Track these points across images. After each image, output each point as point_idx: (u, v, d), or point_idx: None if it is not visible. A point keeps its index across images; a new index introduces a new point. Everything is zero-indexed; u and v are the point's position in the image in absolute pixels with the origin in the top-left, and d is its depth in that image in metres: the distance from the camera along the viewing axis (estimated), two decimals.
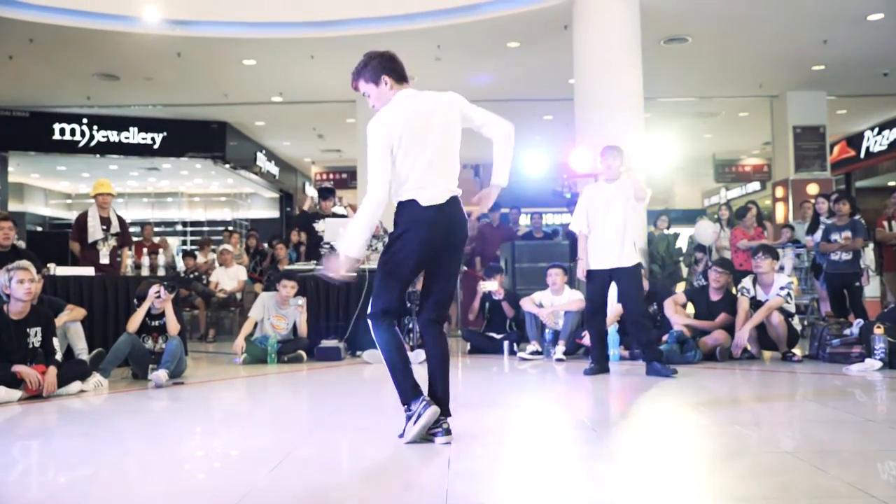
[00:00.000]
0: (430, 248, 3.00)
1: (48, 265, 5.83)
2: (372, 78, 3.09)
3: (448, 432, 2.98)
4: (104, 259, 6.68)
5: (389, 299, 3.03)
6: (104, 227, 6.74)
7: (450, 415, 3.05)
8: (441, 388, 3.04)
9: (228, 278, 9.00)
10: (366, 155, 3.01)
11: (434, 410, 2.92)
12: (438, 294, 3.11)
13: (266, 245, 10.61)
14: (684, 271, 8.94)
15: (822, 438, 3.19)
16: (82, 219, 6.81)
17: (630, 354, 6.06)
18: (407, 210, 3.00)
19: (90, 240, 6.69)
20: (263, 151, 16.14)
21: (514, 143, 3.14)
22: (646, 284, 6.39)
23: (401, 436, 2.98)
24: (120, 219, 6.96)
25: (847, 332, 5.71)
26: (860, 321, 5.94)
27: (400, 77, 3.10)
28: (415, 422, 2.92)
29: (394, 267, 3.03)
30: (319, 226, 7.46)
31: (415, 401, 2.94)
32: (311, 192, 7.95)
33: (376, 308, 3.04)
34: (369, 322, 3.06)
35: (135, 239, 8.74)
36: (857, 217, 7.06)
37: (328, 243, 6.82)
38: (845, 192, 11.26)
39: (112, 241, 6.78)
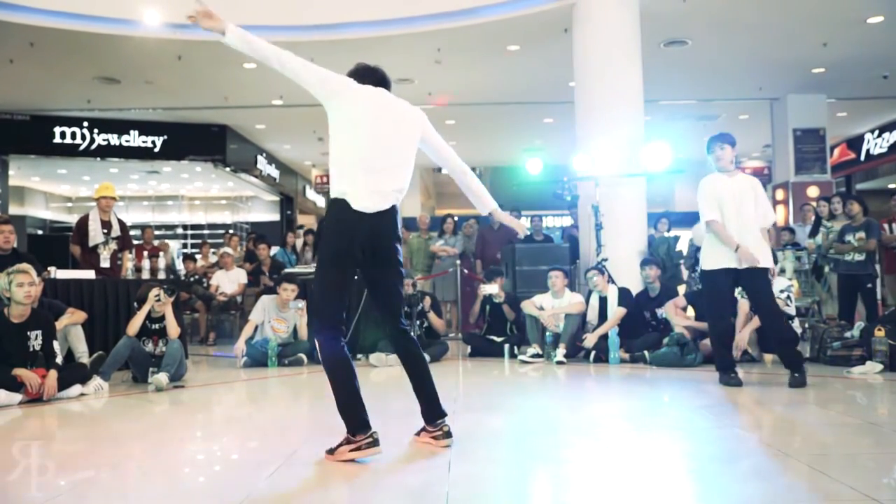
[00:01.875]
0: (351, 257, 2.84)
1: (48, 268, 5.83)
2: None
3: (448, 435, 2.97)
4: (105, 262, 6.68)
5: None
6: (105, 231, 6.74)
7: (446, 414, 3.04)
8: (428, 392, 3.01)
9: (229, 281, 8.99)
10: None
11: (376, 451, 2.77)
12: (390, 305, 3.00)
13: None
14: (685, 274, 8.93)
15: (824, 441, 3.19)
16: (83, 222, 6.80)
17: (630, 357, 6.07)
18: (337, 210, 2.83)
19: (91, 243, 6.69)
20: (264, 154, 16.15)
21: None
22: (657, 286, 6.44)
23: (330, 451, 2.82)
24: (121, 222, 6.96)
25: (848, 334, 5.71)
26: (861, 324, 5.94)
27: (368, 83, 2.99)
28: (351, 450, 2.77)
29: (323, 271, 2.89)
30: None
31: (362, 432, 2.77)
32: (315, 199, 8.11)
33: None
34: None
35: (135, 242, 8.74)
36: (869, 217, 7.04)
37: None
38: (855, 193, 11.22)
39: (113, 245, 6.78)
